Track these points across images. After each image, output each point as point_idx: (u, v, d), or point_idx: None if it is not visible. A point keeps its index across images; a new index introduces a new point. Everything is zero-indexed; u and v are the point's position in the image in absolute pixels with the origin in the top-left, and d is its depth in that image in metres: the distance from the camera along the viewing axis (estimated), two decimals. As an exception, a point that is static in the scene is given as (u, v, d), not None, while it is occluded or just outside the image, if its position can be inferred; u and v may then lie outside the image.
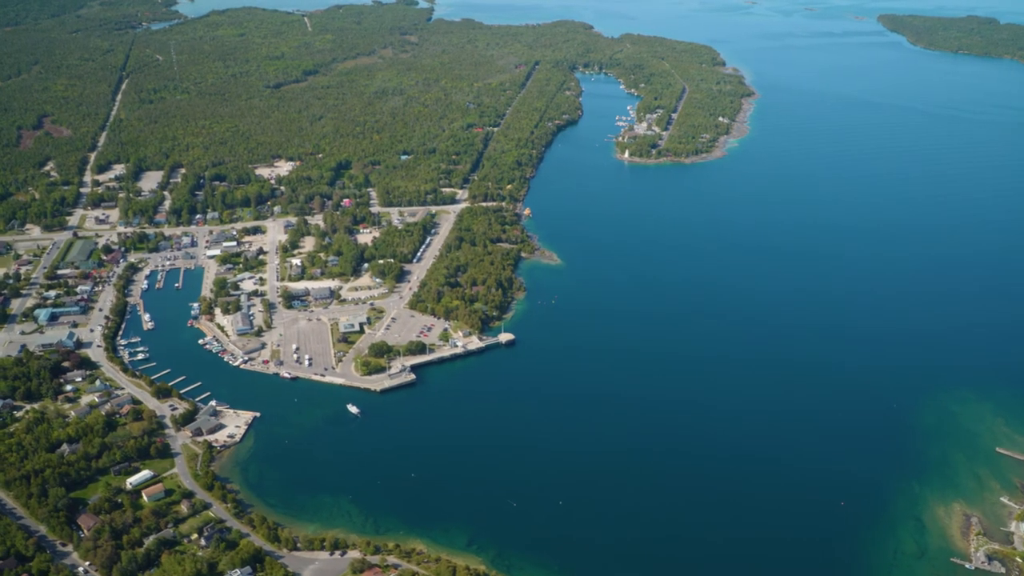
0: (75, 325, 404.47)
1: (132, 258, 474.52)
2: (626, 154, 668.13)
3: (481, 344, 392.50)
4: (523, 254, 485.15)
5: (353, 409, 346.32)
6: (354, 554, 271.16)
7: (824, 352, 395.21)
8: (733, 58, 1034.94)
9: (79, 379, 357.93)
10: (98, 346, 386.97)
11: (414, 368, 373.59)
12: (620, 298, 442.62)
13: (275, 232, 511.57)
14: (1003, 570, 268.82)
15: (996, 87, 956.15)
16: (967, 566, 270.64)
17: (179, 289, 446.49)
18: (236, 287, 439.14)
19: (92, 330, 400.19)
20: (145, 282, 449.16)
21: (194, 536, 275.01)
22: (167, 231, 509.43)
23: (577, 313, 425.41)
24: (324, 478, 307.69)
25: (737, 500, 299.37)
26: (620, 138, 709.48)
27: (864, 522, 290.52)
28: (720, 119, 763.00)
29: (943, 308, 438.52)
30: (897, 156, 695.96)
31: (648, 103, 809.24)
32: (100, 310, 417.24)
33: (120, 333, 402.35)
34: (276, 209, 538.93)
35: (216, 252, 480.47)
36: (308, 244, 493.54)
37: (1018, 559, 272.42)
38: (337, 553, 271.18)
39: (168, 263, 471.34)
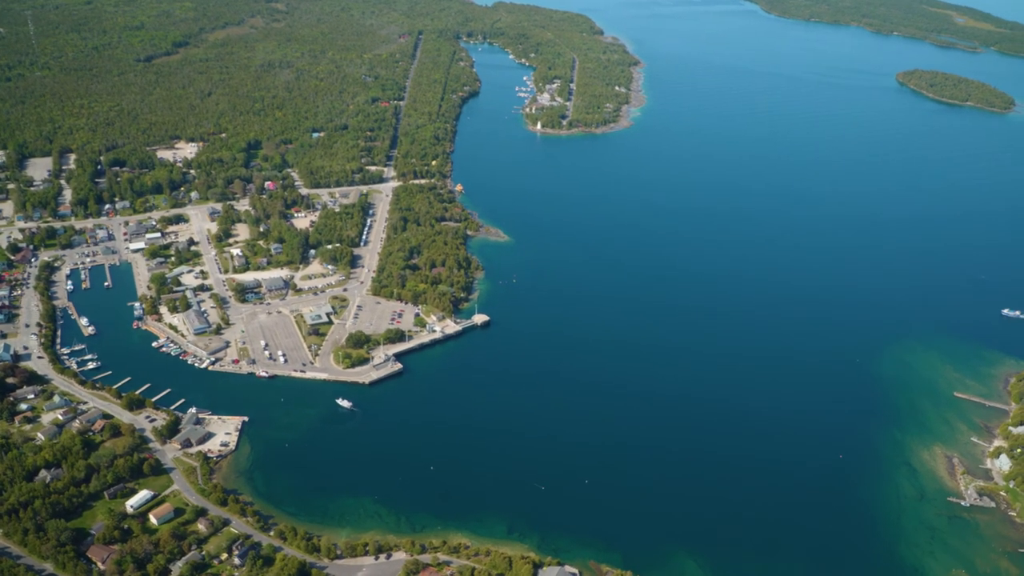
0: (3, 336, 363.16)
1: (45, 256, 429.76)
2: (538, 126, 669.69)
3: (458, 327, 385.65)
4: (469, 232, 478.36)
5: (344, 403, 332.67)
6: (400, 555, 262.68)
7: (776, 314, 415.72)
8: (609, 27, 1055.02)
9: (31, 396, 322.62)
10: (39, 357, 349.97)
11: (397, 356, 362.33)
12: (577, 273, 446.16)
13: (200, 220, 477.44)
14: (993, 504, 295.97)
15: (849, 52, 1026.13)
16: (963, 503, 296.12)
17: (110, 288, 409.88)
18: (178, 282, 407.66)
19: (25, 341, 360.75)
20: (69, 283, 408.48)
21: (224, 556, 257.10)
22: (77, 224, 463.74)
23: (540, 291, 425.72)
24: (338, 480, 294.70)
25: (744, 464, 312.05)
26: (527, 110, 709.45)
27: (864, 472, 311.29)
28: (617, 88, 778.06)
29: (870, 267, 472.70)
30: (781, 120, 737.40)
31: (543, 73, 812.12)
32: (27, 323, 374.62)
33: (58, 341, 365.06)
34: (193, 195, 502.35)
35: (140, 245, 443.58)
36: (242, 232, 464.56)
37: (1003, 493, 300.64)
38: (382, 557, 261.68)
39: (88, 260, 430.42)
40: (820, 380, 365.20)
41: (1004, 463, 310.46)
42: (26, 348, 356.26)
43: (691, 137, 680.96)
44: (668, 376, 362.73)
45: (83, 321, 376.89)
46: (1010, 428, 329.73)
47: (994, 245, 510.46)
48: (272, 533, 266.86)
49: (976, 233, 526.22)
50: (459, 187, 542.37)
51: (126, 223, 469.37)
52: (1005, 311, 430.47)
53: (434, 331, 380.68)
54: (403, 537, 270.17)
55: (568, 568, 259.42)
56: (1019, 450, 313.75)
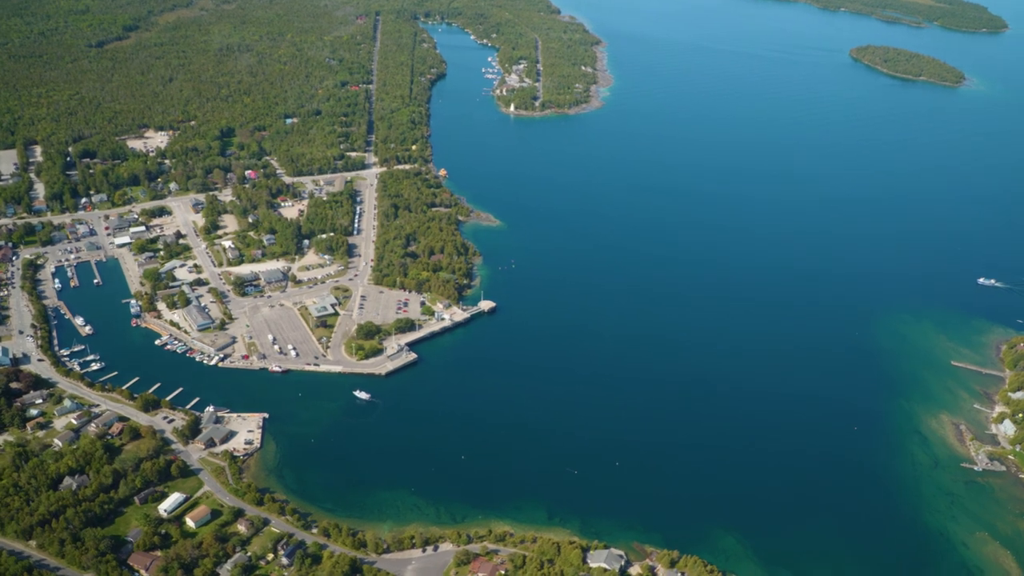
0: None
1: (26, 254, 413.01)
2: (511, 107, 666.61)
3: (466, 315, 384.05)
4: (460, 217, 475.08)
5: (363, 395, 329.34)
6: (447, 546, 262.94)
7: (769, 293, 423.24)
8: (565, 6, 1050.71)
9: (40, 401, 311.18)
10: (39, 360, 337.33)
11: (409, 346, 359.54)
12: (573, 256, 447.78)
13: (183, 212, 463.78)
14: (1004, 468, 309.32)
15: (801, 29, 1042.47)
16: (975, 469, 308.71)
17: (100, 285, 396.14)
18: (172, 278, 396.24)
19: (21, 343, 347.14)
20: (56, 281, 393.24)
21: (269, 556, 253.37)
22: (54, 220, 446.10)
23: (540, 275, 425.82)
24: (370, 473, 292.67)
25: (765, 441, 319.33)
26: (498, 91, 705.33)
27: (878, 442, 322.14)
28: (583, 68, 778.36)
29: (849, 244, 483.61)
30: (748, 98, 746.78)
31: (508, 54, 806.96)
32: (20, 325, 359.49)
33: (55, 342, 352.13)
34: (172, 186, 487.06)
35: (125, 239, 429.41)
36: (230, 223, 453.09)
37: (1011, 457, 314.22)
38: (430, 549, 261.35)
39: (73, 256, 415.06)
40: (823, 356, 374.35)
41: (1008, 428, 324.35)
42: (24, 352, 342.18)
43: (662, 117, 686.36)
44: (677, 358, 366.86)
45: (78, 321, 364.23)
46: (1009, 394, 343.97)
47: (962, 218, 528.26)
48: (315, 531, 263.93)
49: (942, 207, 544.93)
50: (443, 172, 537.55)
51: (106, 217, 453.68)
52: (981, 280, 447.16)
53: (443, 319, 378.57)
54: (446, 528, 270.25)
55: (615, 550, 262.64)
56: (1021, 415, 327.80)
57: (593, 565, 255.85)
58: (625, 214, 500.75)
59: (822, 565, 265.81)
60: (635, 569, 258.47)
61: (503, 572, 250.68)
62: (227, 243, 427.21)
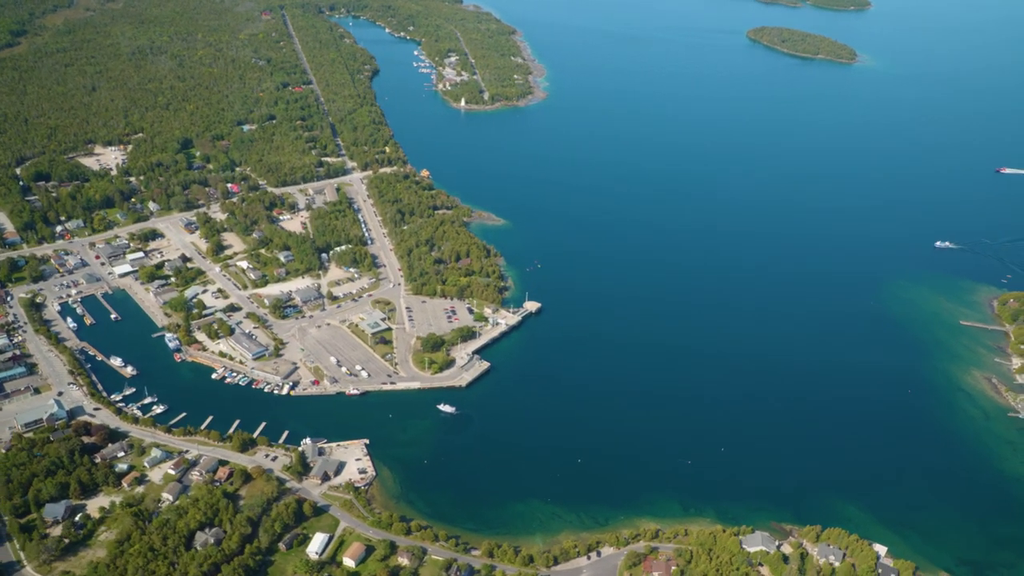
0: (36, 391, 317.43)
1: (20, 292, 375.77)
2: (463, 102, 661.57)
3: (517, 318, 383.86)
4: (464, 218, 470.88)
5: (447, 409, 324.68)
6: (608, 550, 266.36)
7: (776, 279, 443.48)
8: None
9: (122, 453, 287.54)
10: (96, 409, 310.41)
11: (476, 354, 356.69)
12: (590, 251, 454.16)
13: (177, 234, 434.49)
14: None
15: (687, 11, 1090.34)
16: (1021, 416, 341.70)
17: (119, 320, 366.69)
18: (203, 306, 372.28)
19: (67, 393, 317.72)
20: (69, 320, 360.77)
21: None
22: (35, 252, 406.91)
23: (566, 272, 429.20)
24: (496, 487, 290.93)
25: (835, 413, 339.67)
26: (440, 86, 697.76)
27: (931, 401, 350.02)
28: (514, 59, 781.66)
29: (822, 223, 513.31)
30: (672, 84, 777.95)
31: (434, 47, 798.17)
32: (54, 372, 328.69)
33: (98, 387, 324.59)
34: (152, 206, 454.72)
35: (126, 268, 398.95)
36: (234, 242, 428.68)
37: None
38: (593, 555, 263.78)
39: (74, 291, 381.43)
40: (851, 330, 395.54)
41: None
42: (75, 403, 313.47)
43: (608, 106, 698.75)
44: (723, 348, 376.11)
45: (116, 362, 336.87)
46: (1021, 347, 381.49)
47: (899, 188, 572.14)
48: (477, 553, 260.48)
49: (876, 178, 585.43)
50: (425, 172, 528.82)
51: (91, 244, 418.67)
52: (938, 243, 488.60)
53: (498, 324, 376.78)
54: (598, 532, 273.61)
55: (761, 532, 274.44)
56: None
57: (751, 549, 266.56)
58: (614, 203, 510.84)
59: (943, 523, 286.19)
60: (786, 548, 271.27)
61: (676, 567, 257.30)
62: (243, 263, 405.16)
